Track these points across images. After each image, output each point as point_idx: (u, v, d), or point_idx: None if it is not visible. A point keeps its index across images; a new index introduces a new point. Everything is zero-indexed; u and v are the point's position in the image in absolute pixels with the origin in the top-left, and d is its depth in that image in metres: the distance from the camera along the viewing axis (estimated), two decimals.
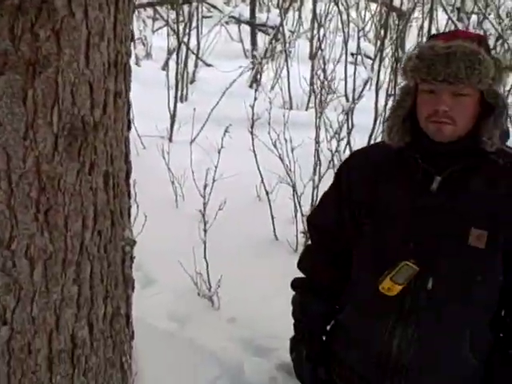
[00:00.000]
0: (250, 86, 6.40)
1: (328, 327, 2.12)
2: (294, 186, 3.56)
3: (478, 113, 1.66)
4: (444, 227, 1.69)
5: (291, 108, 5.81)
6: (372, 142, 3.92)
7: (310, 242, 2.18)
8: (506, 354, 1.78)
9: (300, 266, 2.12)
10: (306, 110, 5.74)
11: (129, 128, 1.68)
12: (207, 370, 2.07)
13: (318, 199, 2.19)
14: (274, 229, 3.58)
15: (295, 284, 2.12)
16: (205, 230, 3.00)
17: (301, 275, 2.12)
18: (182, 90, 5.94)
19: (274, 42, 6.86)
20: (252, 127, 3.61)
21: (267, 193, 3.73)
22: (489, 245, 1.65)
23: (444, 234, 1.69)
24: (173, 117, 5.08)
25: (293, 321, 2.14)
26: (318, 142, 3.56)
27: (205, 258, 2.97)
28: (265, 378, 2.39)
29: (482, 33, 4.30)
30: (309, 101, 5.74)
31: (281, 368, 2.46)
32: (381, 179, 1.80)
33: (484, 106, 1.66)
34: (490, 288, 1.73)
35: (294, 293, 2.13)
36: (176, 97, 5.24)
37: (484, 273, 1.69)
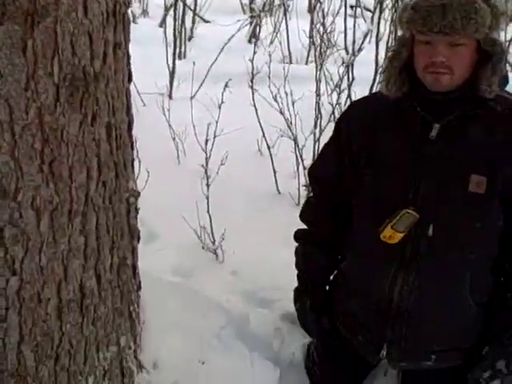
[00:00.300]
0: (249, 41, 6.32)
1: (331, 277, 2.16)
2: (295, 140, 3.55)
3: (476, 61, 1.67)
4: (444, 174, 1.72)
5: (291, 62, 5.74)
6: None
7: (311, 194, 2.19)
8: (505, 298, 1.81)
9: (302, 217, 2.15)
10: (306, 63, 5.68)
11: (130, 80, 1.68)
12: (212, 321, 2.11)
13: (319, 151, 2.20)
14: (276, 182, 3.59)
15: (298, 235, 2.15)
16: (207, 185, 3.00)
17: (303, 227, 2.15)
18: (181, 47, 5.86)
19: None
20: (252, 82, 3.59)
21: (269, 147, 3.73)
22: (488, 191, 1.68)
23: (444, 181, 1.72)
24: (172, 74, 5.03)
25: (296, 272, 2.18)
26: (318, 95, 3.54)
27: (208, 212, 2.98)
28: (270, 328, 2.43)
29: None
30: (308, 55, 5.67)
31: (285, 318, 2.50)
32: (379, 128, 1.82)
33: (482, 54, 1.66)
34: (490, 234, 1.76)
35: (296, 244, 2.16)
36: (174, 54, 5.18)
37: (483, 219, 1.72)
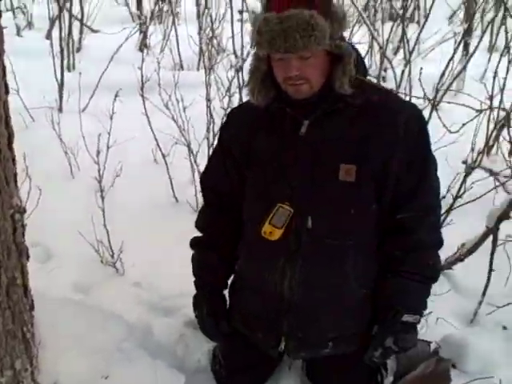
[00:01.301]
0: (140, 50, 6.28)
1: (229, 281, 2.19)
2: (189, 146, 3.55)
3: (329, 63, 1.76)
4: (315, 167, 1.81)
5: (182, 69, 5.76)
6: None
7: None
8: (386, 279, 1.91)
9: (196, 224, 2.19)
10: (198, 70, 5.70)
11: (7, 92, 1.63)
12: (113, 334, 2.07)
13: None
14: (174, 191, 3.57)
15: (192, 243, 2.18)
16: (102, 197, 2.94)
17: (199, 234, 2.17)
18: (69, 59, 5.74)
19: (160, 3, 6.72)
20: (142, 90, 3.55)
21: (163, 155, 3.71)
22: (358, 178, 1.78)
23: (315, 173, 1.81)
24: (61, 86, 4.90)
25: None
26: (209, 100, 3.55)
27: (104, 225, 2.92)
28: (174, 336, 2.41)
29: None
30: (199, 61, 5.70)
31: (189, 325, 2.49)
32: (254, 132, 1.91)
33: (333, 55, 1.75)
34: (365, 220, 1.86)
35: (192, 252, 2.17)
36: (62, 66, 5.04)
37: (356, 205, 1.82)
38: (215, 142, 3.36)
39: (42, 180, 3.08)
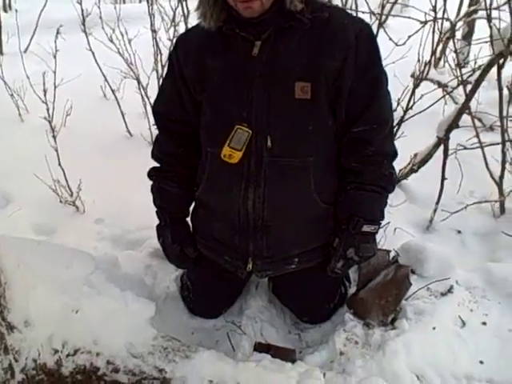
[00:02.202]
0: None
1: (190, 208, 2.21)
2: (138, 79, 3.50)
3: None
4: (270, 87, 1.79)
5: (124, 2, 5.60)
6: None
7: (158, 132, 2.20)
8: (345, 191, 1.97)
9: (152, 155, 2.17)
10: (140, 1, 5.56)
11: None
12: (80, 269, 2.07)
13: None
14: (127, 125, 3.54)
15: (151, 173, 2.17)
16: (54, 137, 2.91)
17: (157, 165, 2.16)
18: None
19: None
20: (84, 25, 3.45)
21: (113, 90, 3.65)
22: (313, 95, 1.78)
23: (271, 93, 1.79)
24: None
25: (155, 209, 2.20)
26: (154, 31, 3.47)
27: (59, 164, 2.90)
28: (140, 267, 2.45)
29: None
30: None
31: (154, 255, 2.54)
32: (206, 56, 1.87)
33: None
34: (323, 136, 1.88)
35: (151, 182, 2.17)
36: None
37: (314, 122, 1.82)
38: (164, 74, 3.36)
39: None
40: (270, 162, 1.83)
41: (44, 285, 1.92)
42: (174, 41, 2.06)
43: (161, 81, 3.42)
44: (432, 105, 2.72)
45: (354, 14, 2.77)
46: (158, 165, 2.17)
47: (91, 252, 2.40)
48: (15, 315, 1.81)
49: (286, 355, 2.07)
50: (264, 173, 1.85)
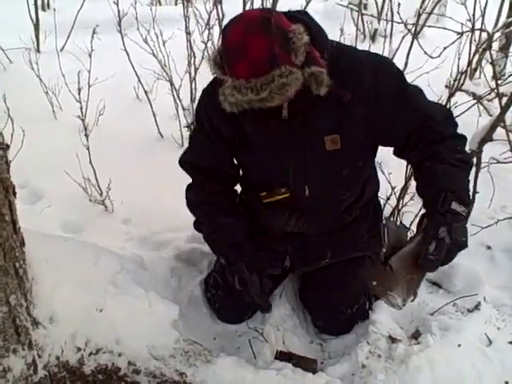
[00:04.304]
0: None
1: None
2: (171, 81, 3.52)
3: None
4: (303, 146, 1.91)
5: (160, 4, 5.63)
6: None
7: (191, 182, 2.20)
8: (424, 169, 1.91)
9: (190, 205, 2.19)
10: (176, 4, 5.58)
11: None
12: (106, 268, 2.09)
13: (194, 112, 2.32)
14: (158, 126, 3.56)
15: (198, 224, 2.20)
16: (86, 135, 2.93)
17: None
18: None
19: None
20: (120, 26, 3.47)
21: (146, 92, 3.67)
22: (343, 144, 1.89)
23: (305, 151, 1.92)
24: (36, 26, 4.80)
25: (202, 235, 2.22)
26: (188, 33, 3.49)
27: (90, 163, 2.92)
28: (165, 269, 2.47)
29: None
30: None
31: (179, 258, 2.56)
32: (241, 116, 1.82)
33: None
34: (355, 175, 2.04)
35: (202, 232, 2.20)
36: (36, 5, 4.92)
37: (347, 167, 1.97)
38: (197, 76, 3.37)
39: (24, 121, 3.04)
40: (308, 205, 2.05)
41: (70, 282, 1.95)
42: (203, 93, 2.03)
43: (193, 84, 3.44)
44: (463, 113, 2.67)
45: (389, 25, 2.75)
46: (200, 211, 2.17)
47: (118, 252, 2.42)
48: (40, 311, 1.83)
49: (307, 365, 2.06)
50: (304, 209, 2.09)
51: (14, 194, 1.71)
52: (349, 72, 1.81)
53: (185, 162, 2.18)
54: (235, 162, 2.14)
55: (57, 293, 1.87)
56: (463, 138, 1.95)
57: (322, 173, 1.96)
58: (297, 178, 1.98)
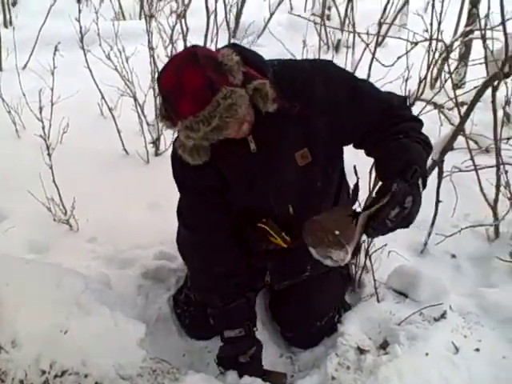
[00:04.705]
0: (78, 1, 6.04)
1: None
2: (134, 97, 3.50)
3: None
4: (276, 168, 1.92)
5: (124, 18, 5.61)
6: (208, 42, 3.88)
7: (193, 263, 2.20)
8: (392, 141, 1.84)
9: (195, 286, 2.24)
10: (140, 19, 5.56)
11: None
12: (71, 288, 2.07)
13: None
14: (123, 143, 3.53)
15: (213, 308, 2.14)
16: (49, 154, 2.89)
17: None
18: (5, 14, 5.54)
19: None
20: (82, 42, 3.44)
21: (110, 108, 3.65)
22: (313, 156, 1.91)
23: (280, 176, 1.93)
24: None
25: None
26: (152, 48, 3.48)
27: (54, 182, 2.88)
28: (132, 287, 2.46)
29: None
30: (141, 9, 5.52)
31: (146, 276, 2.54)
32: (217, 161, 1.88)
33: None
34: (328, 182, 2.05)
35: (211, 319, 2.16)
36: None
37: (320, 176, 1.98)
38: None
39: None
40: (293, 221, 2.01)
41: (33, 304, 1.93)
42: (177, 161, 1.92)
43: (157, 99, 3.42)
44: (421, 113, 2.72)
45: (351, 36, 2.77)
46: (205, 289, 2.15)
47: (83, 271, 2.41)
48: (3, 335, 1.82)
49: (276, 379, 2.06)
50: (291, 229, 2.05)
51: None
52: (296, 83, 1.82)
53: (186, 225, 2.14)
54: None
55: (19, 316, 1.85)
56: (421, 121, 1.96)
57: (301, 189, 1.97)
58: (279, 201, 1.99)
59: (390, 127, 1.86)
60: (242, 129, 1.74)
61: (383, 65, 2.76)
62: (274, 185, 1.94)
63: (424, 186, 1.74)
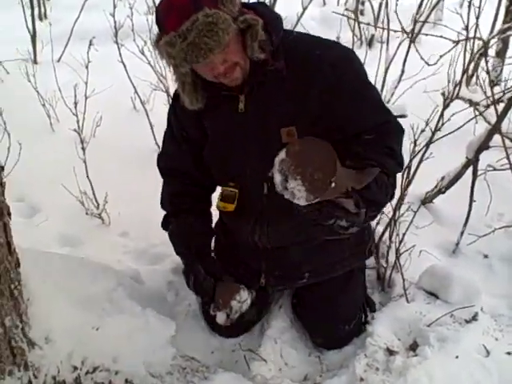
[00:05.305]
0: None
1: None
2: (167, 92, 3.52)
3: (243, 38, 1.72)
4: (259, 137, 1.88)
5: None
6: None
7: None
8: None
9: (163, 203, 2.32)
10: None
11: None
12: (103, 284, 2.09)
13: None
14: (155, 137, 3.55)
15: (166, 221, 2.27)
16: (83, 149, 2.93)
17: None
18: (40, 8, 5.60)
19: None
20: (116, 37, 3.47)
21: (142, 103, 3.68)
22: (300, 136, 1.77)
23: (262, 144, 1.87)
24: (33, 37, 4.79)
25: None
26: None
27: (87, 176, 2.92)
28: (162, 283, 2.48)
29: None
30: None
31: (177, 271, 2.54)
32: (203, 116, 1.96)
33: (244, 29, 1.72)
34: None
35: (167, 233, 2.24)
36: (33, 15, 4.91)
37: None
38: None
39: (21, 134, 3.07)
40: (268, 205, 1.98)
41: (66, 300, 1.95)
42: (173, 96, 2.06)
43: None
44: (462, 126, 2.67)
45: (385, 32, 2.73)
46: (170, 209, 2.26)
47: (115, 265, 2.43)
48: (36, 331, 1.83)
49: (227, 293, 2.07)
50: (266, 214, 2.03)
51: (9, 214, 1.71)
52: (307, 63, 1.80)
53: (158, 165, 2.31)
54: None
55: (53, 312, 1.87)
56: (401, 164, 1.91)
57: None
58: (254, 173, 1.93)
59: (376, 153, 1.78)
60: (230, 66, 1.71)
61: (428, 63, 2.72)
62: (253, 154, 1.91)
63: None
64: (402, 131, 1.92)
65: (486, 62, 2.69)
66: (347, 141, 1.82)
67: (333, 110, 1.82)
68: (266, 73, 1.79)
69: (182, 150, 2.11)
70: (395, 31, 3.00)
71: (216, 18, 1.58)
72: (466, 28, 2.58)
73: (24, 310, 1.78)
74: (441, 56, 2.69)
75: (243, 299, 2.05)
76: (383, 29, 3.64)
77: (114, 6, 3.41)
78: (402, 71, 3.57)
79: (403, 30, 2.97)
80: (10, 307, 1.70)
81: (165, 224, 2.25)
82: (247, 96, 1.85)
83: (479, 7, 2.62)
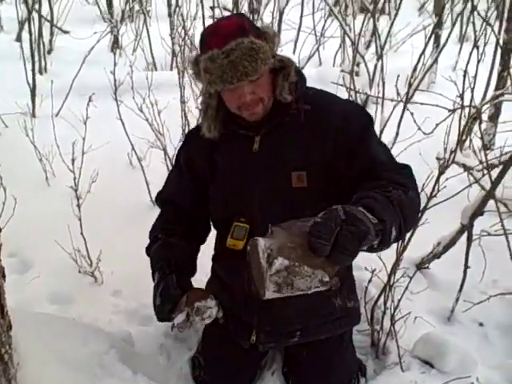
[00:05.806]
0: (112, 51, 6.20)
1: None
2: (165, 150, 3.55)
3: (273, 77, 1.85)
4: (269, 180, 1.91)
5: (155, 69, 5.71)
6: None
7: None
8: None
9: (153, 232, 2.31)
10: (171, 69, 5.65)
11: None
12: (94, 347, 2.06)
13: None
14: (150, 194, 3.56)
15: (149, 248, 2.27)
16: (78, 206, 2.92)
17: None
18: (40, 62, 5.66)
19: (131, 2, 6.68)
20: (115, 93, 3.51)
21: (139, 159, 3.69)
22: (310, 182, 1.87)
23: (270, 185, 1.91)
24: (33, 90, 4.83)
25: None
26: (183, 102, 3.53)
27: (81, 233, 2.91)
28: (154, 346, 2.43)
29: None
30: (172, 60, 5.63)
31: (168, 334, 2.51)
32: (215, 151, 2.01)
33: (277, 70, 1.85)
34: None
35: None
36: (33, 69, 4.96)
37: (310, 207, 1.75)
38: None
39: (17, 189, 3.05)
40: None
41: (57, 364, 1.91)
42: (185, 135, 2.19)
43: None
44: (457, 193, 2.71)
45: (379, 100, 2.76)
46: (159, 232, 2.26)
47: (106, 326, 2.40)
48: None
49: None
50: None
51: (4, 276, 1.69)
52: (326, 115, 1.88)
53: (156, 199, 2.37)
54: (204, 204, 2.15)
55: (42, 377, 1.82)
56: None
57: (285, 211, 1.84)
58: (260, 211, 1.94)
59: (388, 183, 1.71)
60: (255, 100, 1.79)
61: (424, 133, 2.78)
62: (264, 194, 1.93)
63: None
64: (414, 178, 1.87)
65: (480, 127, 2.74)
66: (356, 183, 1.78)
67: (339, 159, 1.86)
68: (287, 115, 1.87)
69: (184, 185, 2.16)
70: (391, 100, 3.06)
71: (259, 47, 1.72)
72: (461, 96, 2.62)
73: (13, 374, 1.74)
74: (437, 124, 2.73)
75: (209, 305, 1.97)
76: (377, 97, 3.71)
77: (115, 64, 3.46)
78: (397, 133, 3.61)
79: (398, 97, 3.02)
80: (0, 372, 1.66)
81: (150, 246, 2.25)
82: (263, 137, 1.91)
83: (475, 77, 2.67)
